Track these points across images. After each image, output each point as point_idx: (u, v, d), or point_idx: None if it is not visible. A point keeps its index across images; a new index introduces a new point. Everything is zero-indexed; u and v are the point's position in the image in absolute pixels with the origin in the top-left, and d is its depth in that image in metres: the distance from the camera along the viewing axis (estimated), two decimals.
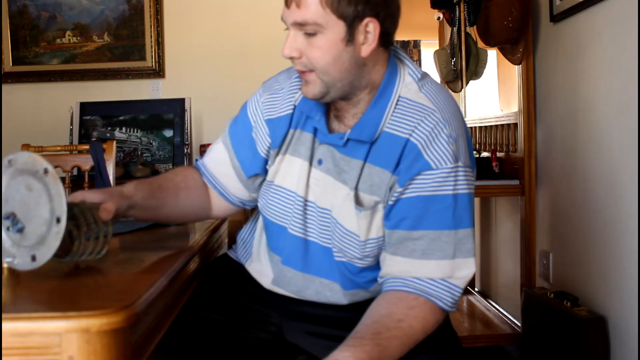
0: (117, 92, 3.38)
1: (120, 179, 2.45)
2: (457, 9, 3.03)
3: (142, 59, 3.41)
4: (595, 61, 2.09)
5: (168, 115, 3.14)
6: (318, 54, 1.06)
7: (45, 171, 0.93)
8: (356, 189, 1.12)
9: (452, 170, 1.07)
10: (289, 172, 1.20)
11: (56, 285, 0.93)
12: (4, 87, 3.38)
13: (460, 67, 3.04)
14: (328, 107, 1.17)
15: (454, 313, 2.89)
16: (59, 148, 2.46)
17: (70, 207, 0.98)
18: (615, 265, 1.99)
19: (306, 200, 1.18)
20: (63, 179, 2.36)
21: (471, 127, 3.33)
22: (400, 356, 1.03)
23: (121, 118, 3.15)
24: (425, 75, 1.16)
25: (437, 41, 3.90)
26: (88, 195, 1.09)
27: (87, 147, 2.35)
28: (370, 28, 1.06)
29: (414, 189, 1.08)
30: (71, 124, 3.14)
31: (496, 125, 2.93)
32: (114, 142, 2.36)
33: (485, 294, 3.24)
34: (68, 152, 2.55)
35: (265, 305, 1.27)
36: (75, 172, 2.48)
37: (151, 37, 3.39)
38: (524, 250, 2.58)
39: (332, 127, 1.17)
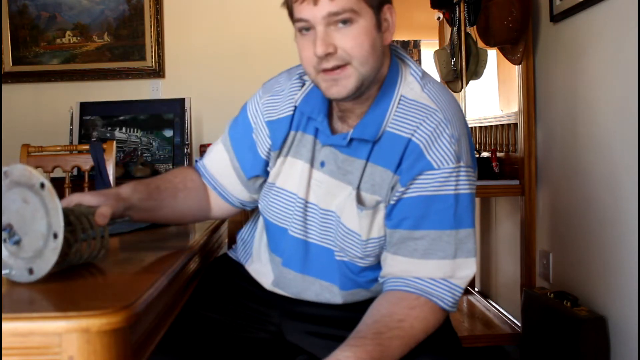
0: (117, 92, 3.38)
1: (120, 179, 2.45)
2: (457, 9, 3.03)
3: (142, 59, 3.41)
4: (595, 61, 2.09)
5: (168, 115, 3.14)
6: (356, 42, 1.04)
7: (42, 185, 0.93)
8: (358, 188, 1.12)
9: (454, 170, 1.07)
10: (290, 174, 1.20)
11: (56, 285, 0.93)
12: (4, 87, 3.38)
13: (460, 67, 3.04)
14: (330, 108, 1.17)
15: (454, 313, 2.88)
16: (59, 148, 2.45)
17: (66, 214, 0.98)
18: (615, 265, 1.99)
19: (307, 202, 1.18)
20: (63, 179, 2.36)
21: (471, 127, 3.33)
22: (401, 356, 1.03)
23: (121, 118, 3.15)
24: (425, 75, 1.16)
25: (437, 41, 3.90)
26: (84, 199, 1.08)
27: (87, 147, 2.35)
28: (388, 16, 1.09)
29: (415, 189, 1.08)
30: (71, 124, 3.14)
31: (496, 125, 2.93)
32: (114, 142, 2.36)
33: (485, 294, 3.24)
34: (68, 152, 2.55)
35: (265, 305, 1.27)
36: (75, 172, 2.48)
37: (151, 37, 3.39)
38: (524, 250, 2.58)
39: (335, 128, 1.17)
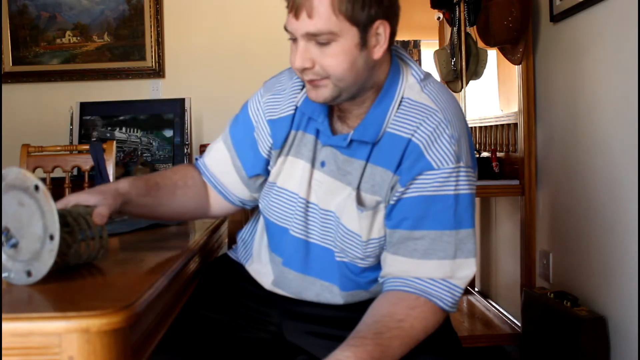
0: (117, 92, 3.38)
1: (120, 178, 2.44)
2: (457, 9, 3.03)
3: (142, 59, 3.41)
4: (595, 61, 2.09)
5: (168, 115, 3.14)
6: (334, 62, 1.04)
7: (36, 188, 0.93)
8: (358, 188, 1.12)
9: (454, 171, 1.07)
10: (291, 173, 1.20)
11: (56, 286, 0.93)
12: (4, 87, 3.38)
13: (460, 67, 3.05)
14: (331, 109, 1.17)
15: (454, 313, 2.88)
16: (59, 148, 2.45)
17: (64, 215, 0.98)
18: (615, 265, 1.99)
19: (308, 202, 1.18)
20: (63, 179, 2.36)
21: (471, 127, 3.33)
22: (401, 356, 1.03)
23: (121, 118, 3.15)
24: (428, 76, 1.16)
25: (437, 41, 3.90)
26: (81, 198, 1.08)
27: (87, 147, 2.35)
28: (381, 30, 1.05)
29: (415, 189, 1.08)
30: (71, 124, 3.14)
31: (496, 125, 2.93)
32: (114, 142, 2.36)
33: (485, 294, 3.24)
34: (68, 152, 2.55)
35: (265, 305, 1.27)
36: (75, 172, 2.48)
37: (151, 37, 3.39)
38: (524, 250, 2.58)
39: (335, 129, 1.17)
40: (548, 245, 2.49)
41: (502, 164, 2.76)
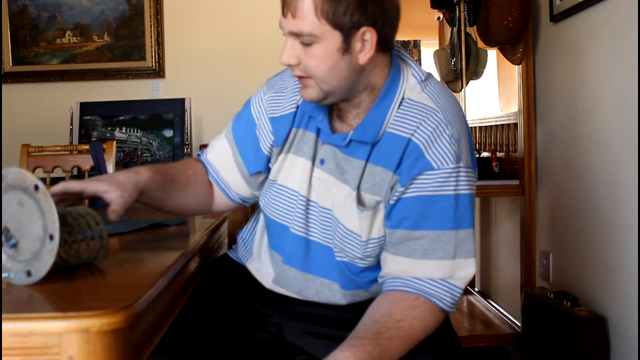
0: (117, 92, 3.38)
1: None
2: (457, 9, 3.03)
3: (142, 59, 3.41)
4: (595, 61, 2.09)
5: (168, 115, 3.14)
6: (315, 63, 1.06)
7: (36, 188, 0.93)
8: (358, 188, 1.12)
9: (454, 171, 1.07)
10: (292, 171, 1.20)
11: (56, 285, 0.93)
12: (4, 87, 3.38)
13: (460, 67, 3.05)
14: (330, 107, 1.17)
15: (454, 313, 2.88)
16: (59, 148, 2.45)
17: (64, 215, 0.98)
18: (615, 265, 1.99)
19: (308, 200, 1.18)
20: (63, 179, 2.36)
21: (471, 127, 3.33)
22: (400, 356, 1.03)
23: (121, 118, 3.15)
24: (429, 76, 1.16)
25: (437, 41, 3.90)
26: (100, 188, 1.08)
27: (87, 147, 2.35)
28: (367, 36, 1.05)
29: (415, 189, 1.08)
30: (71, 124, 3.14)
31: (496, 125, 2.93)
32: (114, 142, 2.36)
33: (485, 294, 3.24)
34: (68, 152, 2.55)
35: (265, 305, 1.27)
36: (75, 172, 2.48)
37: (151, 37, 3.39)
38: (524, 250, 2.58)
39: (335, 127, 1.17)
40: (548, 245, 2.49)
41: (502, 164, 2.76)
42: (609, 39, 2.00)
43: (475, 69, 3.00)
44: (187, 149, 3.07)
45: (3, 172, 0.98)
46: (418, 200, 1.08)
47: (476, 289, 3.34)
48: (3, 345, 0.77)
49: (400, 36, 6.32)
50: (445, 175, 1.07)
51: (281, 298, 1.26)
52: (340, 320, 1.20)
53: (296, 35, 1.05)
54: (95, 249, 1.04)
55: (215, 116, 3.35)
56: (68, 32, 3.40)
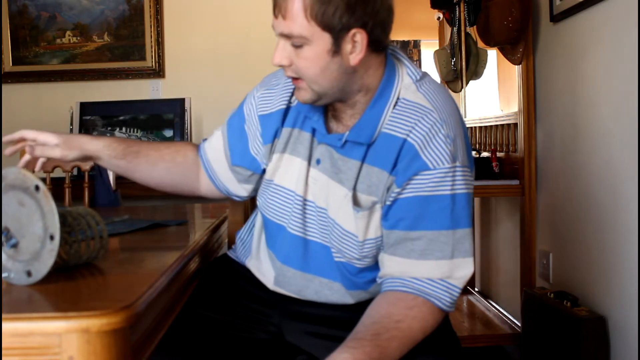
0: (117, 92, 3.38)
1: (121, 179, 2.45)
2: (457, 9, 3.03)
3: (142, 59, 3.41)
4: (595, 61, 2.09)
5: (168, 115, 3.14)
6: (305, 64, 1.06)
7: (37, 188, 0.93)
8: (354, 189, 1.12)
9: (450, 170, 1.07)
10: (288, 171, 1.20)
11: (56, 285, 0.93)
12: (4, 87, 3.38)
13: (460, 67, 3.05)
14: (326, 107, 1.17)
15: (454, 313, 2.89)
16: None
17: (64, 215, 0.98)
18: (615, 265, 1.99)
19: (305, 200, 1.18)
20: (63, 179, 2.36)
21: (471, 127, 3.33)
22: (399, 357, 1.03)
23: (121, 118, 3.15)
24: (424, 75, 1.15)
25: (437, 41, 3.90)
26: (41, 138, 1.21)
27: None
28: (358, 38, 1.04)
29: (411, 190, 1.08)
30: (71, 124, 3.14)
31: (496, 125, 2.93)
32: None
33: (485, 294, 3.24)
34: None
35: (264, 306, 1.27)
36: (75, 172, 2.48)
37: (151, 37, 3.39)
38: (524, 250, 2.58)
39: (331, 127, 1.17)
40: (548, 245, 2.49)
41: (502, 164, 2.76)
42: (609, 39, 2.00)
43: (475, 69, 3.00)
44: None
45: (3, 172, 0.98)
46: (415, 200, 1.08)
47: (476, 289, 3.34)
48: (3, 345, 0.77)
49: (400, 36, 6.33)
50: (441, 175, 1.07)
51: (281, 298, 1.26)
52: (339, 321, 1.20)
53: (287, 36, 1.05)
54: (95, 249, 1.04)
55: (215, 116, 3.35)
56: (68, 32, 3.40)
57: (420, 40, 6.11)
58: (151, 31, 3.39)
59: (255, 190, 1.31)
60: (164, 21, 3.42)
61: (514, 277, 2.78)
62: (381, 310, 1.06)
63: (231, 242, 1.64)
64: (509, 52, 2.57)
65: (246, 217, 1.65)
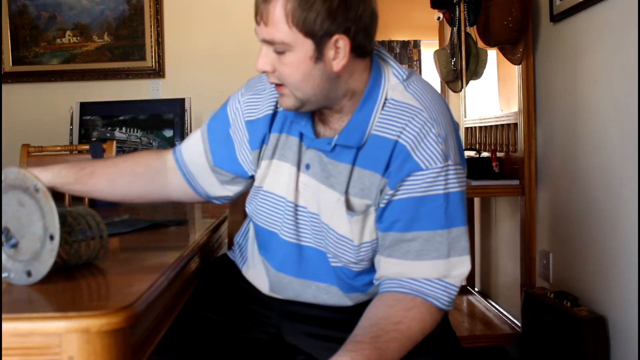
0: (117, 92, 3.38)
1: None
2: (457, 9, 3.03)
3: (142, 59, 3.41)
4: (595, 61, 2.09)
5: (168, 115, 3.14)
6: (288, 71, 1.05)
7: (37, 188, 0.93)
8: (346, 193, 1.11)
9: (442, 170, 1.07)
10: (277, 177, 1.18)
11: (56, 285, 0.93)
12: (4, 87, 3.38)
13: (460, 67, 3.05)
14: (313, 111, 1.16)
15: (454, 313, 2.89)
16: (59, 148, 2.45)
17: (64, 215, 0.98)
18: (615, 265, 1.99)
19: (297, 206, 1.17)
20: None
21: (471, 127, 3.33)
22: (399, 358, 1.02)
23: (121, 118, 3.15)
24: (411, 74, 1.14)
25: (437, 41, 3.90)
26: None
27: (87, 147, 2.35)
28: (340, 44, 1.03)
29: (405, 191, 1.07)
30: (71, 124, 3.14)
31: (496, 125, 2.93)
32: (114, 142, 2.36)
33: (485, 294, 3.24)
34: (68, 152, 2.55)
35: (264, 307, 1.27)
36: None
37: (151, 37, 3.39)
38: (524, 250, 2.58)
39: (318, 131, 1.16)
40: (548, 245, 2.49)
41: (502, 164, 2.76)
42: (609, 39, 2.00)
43: (475, 69, 3.00)
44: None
45: (3, 172, 0.98)
46: (408, 202, 1.07)
47: (476, 289, 3.34)
48: (3, 345, 0.77)
49: (401, 36, 6.32)
50: (433, 175, 1.06)
51: (280, 300, 1.25)
52: (339, 322, 1.20)
53: (269, 42, 1.05)
54: (95, 249, 1.04)
55: None
56: (68, 32, 3.40)
57: (420, 40, 6.10)
58: (151, 31, 3.39)
59: (240, 192, 1.29)
60: (164, 21, 3.41)
61: (514, 277, 2.78)
62: (379, 312, 1.06)
63: (231, 242, 1.64)
64: (509, 52, 2.57)
65: (246, 217, 1.65)
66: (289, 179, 1.17)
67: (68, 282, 0.95)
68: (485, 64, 2.99)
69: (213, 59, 3.42)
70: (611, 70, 1.99)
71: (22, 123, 3.36)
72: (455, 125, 1.14)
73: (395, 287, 1.08)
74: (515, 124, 2.65)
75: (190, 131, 3.11)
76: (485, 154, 2.90)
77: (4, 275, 0.95)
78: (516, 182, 2.58)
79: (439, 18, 3.45)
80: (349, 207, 1.11)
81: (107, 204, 2.49)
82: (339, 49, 1.04)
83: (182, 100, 3.13)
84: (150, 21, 3.38)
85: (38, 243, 0.93)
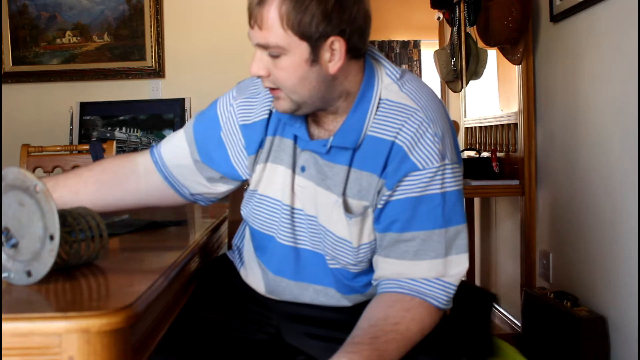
0: (117, 92, 3.38)
1: None
2: (457, 9, 3.03)
3: (142, 59, 3.41)
4: (595, 61, 2.09)
5: (168, 115, 3.14)
6: (284, 75, 1.04)
7: (36, 188, 0.93)
8: (344, 195, 1.11)
9: (439, 169, 1.06)
10: (272, 180, 1.18)
11: (56, 285, 0.93)
12: (4, 87, 3.38)
13: (460, 67, 3.05)
14: (306, 114, 1.15)
15: None
16: (59, 148, 2.46)
17: (64, 215, 0.98)
18: (615, 265, 1.99)
19: (293, 208, 1.16)
20: None
21: (471, 127, 3.33)
22: (398, 358, 1.03)
23: (121, 118, 3.15)
24: (404, 73, 1.14)
25: (437, 41, 3.90)
26: None
27: (87, 147, 2.35)
28: (336, 46, 1.03)
29: (402, 191, 1.07)
30: (71, 124, 3.14)
31: (496, 125, 2.93)
32: (114, 142, 2.36)
33: None
34: (68, 152, 2.55)
35: (263, 307, 1.27)
36: None
37: (151, 37, 3.39)
38: (524, 250, 2.58)
39: (313, 133, 1.15)
40: (548, 245, 2.49)
41: (502, 164, 2.76)
42: (609, 39, 2.00)
43: (475, 69, 3.00)
44: None
45: (3, 172, 0.98)
46: (406, 202, 1.07)
47: None
48: (3, 345, 0.77)
49: (401, 36, 6.32)
50: (430, 174, 1.06)
51: (279, 301, 1.25)
52: (338, 322, 1.20)
53: (264, 47, 1.03)
54: (95, 249, 1.04)
55: None
56: (68, 32, 3.40)
57: (420, 40, 6.10)
58: (151, 31, 3.39)
59: (230, 191, 1.28)
60: (164, 21, 3.41)
61: (514, 277, 2.78)
62: (378, 313, 1.06)
63: (231, 243, 1.64)
64: (509, 52, 2.57)
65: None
66: (284, 181, 1.16)
67: (68, 282, 0.95)
68: (485, 64, 2.99)
69: (213, 59, 3.42)
70: (611, 70, 1.99)
71: (22, 123, 3.36)
72: (451, 123, 1.14)
73: (393, 287, 1.08)
74: (515, 124, 2.65)
75: None
76: (485, 154, 2.90)
77: (4, 275, 0.95)
78: (516, 182, 2.58)
79: (439, 18, 3.45)
80: (347, 209, 1.11)
81: None
82: (335, 50, 1.03)
83: (182, 100, 3.13)
84: (150, 21, 3.38)
85: (38, 243, 0.93)
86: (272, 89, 1.09)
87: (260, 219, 1.20)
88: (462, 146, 3.33)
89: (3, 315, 0.77)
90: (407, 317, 1.05)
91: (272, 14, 1.00)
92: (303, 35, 1.01)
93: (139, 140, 3.13)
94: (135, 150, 3.10)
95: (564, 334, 2.09)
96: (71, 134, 3.13)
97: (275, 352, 1.26)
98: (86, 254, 1.03)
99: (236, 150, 1.21)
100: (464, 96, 3.44)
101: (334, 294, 1.19)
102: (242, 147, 1.21)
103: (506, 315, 2.82)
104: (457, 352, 1.18)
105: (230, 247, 1.47)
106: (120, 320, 0.78)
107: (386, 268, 1.10)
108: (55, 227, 0.91)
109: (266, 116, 1.18)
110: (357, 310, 1.11)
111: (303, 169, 1.14)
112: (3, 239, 0.96)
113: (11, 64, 3.39)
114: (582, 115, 2.19)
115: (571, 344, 2.05)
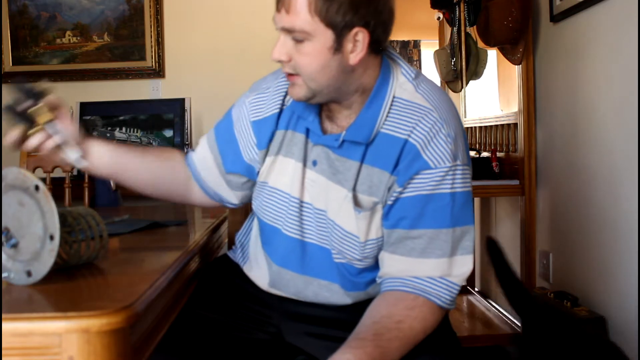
0: (117, 92, 3.38)
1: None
2: (457, 9, 3.03)
3: (142, 59, 3.41)
4: (595, 61, 2.09)
5: (168, 115, 3.14)
6: (305, 60, 1.06)
7: (37, 188, 0.93)
8: (354, 190, 1.12)
9: (450, 169, 1.07)
10: (283, 173, 1.19)
11: (56, 285, 0.93)
12: (4, 87, 3.38)
13: (460, 67, 3.05)
14: (320, 108, 1.17)
15: (454, 313, 2.89)
16: None
17: (64, 215, 0.98)
18: (615, 265, 1.99)
19: (302, 202, 1.18)
20: (63, 179, 2.36)
21: (471, 127, 3.33)
22: (400, 357, 1.03)
23: (121, 118, 3.15)
24: (419, 74, 1.15)
25: (437, 41, 3.90)
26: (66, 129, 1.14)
27: None
28: (360, 37, 1.05)
29: (412, 189, 1.08)
30: None
31: (496, 125, 2.93)
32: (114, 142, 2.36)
33: (485, 294, 3.24)
34: None
35: (264, 306, 1.27)
36: (75, 172, 2.48)
37: (151, 37, 3.39)
38: (524, 250, 2.58)
39: (325, 128, 1.16)
40: (548, 245, 2.49)
41: (502, 164, 2.76)
42: (609, 39, 2.00)
43: (475, 69, 3.00)
44: (187, 149, 3.07)
45: (3, 172, 0.98)
46: (416, 199, 1.08)
47: (476, 289, 3.33)
48: (3, 345, 0.77)
49: (400, 36, 6.31)
50: (442, 174, 1.07)
51: (280, 299, 1.26)
52: (339, 321, 1.20)
53: (288, 31, 1.05)
54: (95, 249, 1.04)
55: (215, 116, 3.31)
56: (68, 32, 3.40)
57: (420, 40, 6.10)
58: (151, 31, 3.39)
59: (248, 198, 1.30)
60: (164, 21, 3.41)
61: None
62: (382, 311, 1.06)
63: (231, 242, 1.64)
64: (509, 52, 2.57)
65: (246, 217, 1.65)
66: (294, 175, 1.17)
67: (68, 282, 0.95)
68: (485, 64, 2.99)
69: (213, 59, 3.42)
70: (611, 70, 1.99)
71: None
72: (463, 127, 1.15)
73: (398, 285, 1.09)
74: (515, 124, 2.65)
75: (190, 131, 3.12)
76: (485, 154, 2.90)
77: (4, 275, 0.95)
78: (516, 182, 2.58)
79: (439, 18, 3.45)
80: (357, 203, 1.12)
81: (106, 204, 2.49)
82: (358, 42, 1.05)
83: (182, 100, 3.13)
84: (150, 21, 3.39)
85: (38, 243, 0.93)
86: (290, 75, 1.10)
87: (269, 211, 1.22)
88: None
89: (3, 315, 0.77)
90: (410, 316, 1.05)
91: None
92: (329, 22, 1.02)
93: (139, 140, 3.12)
94: None
95: (564, 334, 2.09)
96: None
97: (275, 351, 1.26)
98: (86, 254, 1.03)
99: (247, 145, 1.24)
100: (464, 96, 3.44)
101: (337, 290, 1.19)
102: (252, 142, 1.23)
103: (506, 315, 2.82)
104: (458, 352, 1.18)
105: (230, 247, 1.47)
106: (120, 320, 0.78)
107: (392, 265, 1.11)
108: (55, 227, 0.91)
109: (277, 110, 1.20)
110: (357, 310, 1.12)
111: (315, 163, 1.16)
112: (3, 239, 0.96)
113: (11, 64, 3.39)
114: (582, 115, 2.19)
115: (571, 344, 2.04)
